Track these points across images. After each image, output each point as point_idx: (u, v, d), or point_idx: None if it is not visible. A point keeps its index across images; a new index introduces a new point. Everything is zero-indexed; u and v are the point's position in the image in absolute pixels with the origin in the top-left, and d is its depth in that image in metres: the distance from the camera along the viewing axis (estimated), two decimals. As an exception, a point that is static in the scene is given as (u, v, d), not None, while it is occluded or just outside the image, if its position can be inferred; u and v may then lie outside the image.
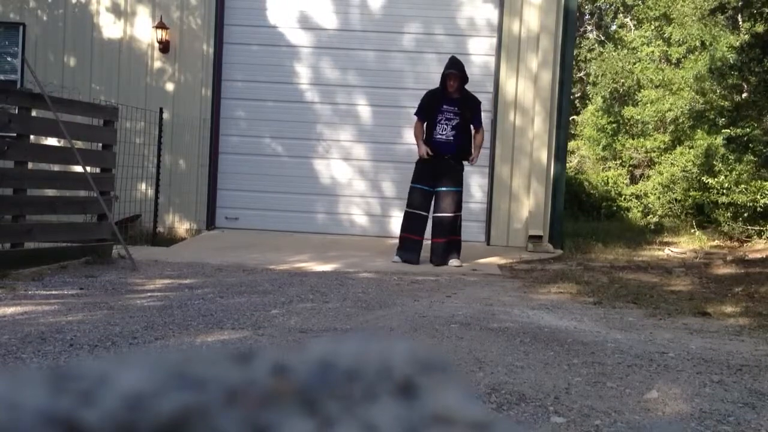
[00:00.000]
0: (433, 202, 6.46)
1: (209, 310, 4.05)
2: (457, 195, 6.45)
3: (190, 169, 8.61)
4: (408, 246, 6.48)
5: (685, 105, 14.60)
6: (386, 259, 6.59)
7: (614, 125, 16.95)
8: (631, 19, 19.74)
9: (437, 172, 6.42)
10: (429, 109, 6.47)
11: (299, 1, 8.60)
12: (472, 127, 6.55)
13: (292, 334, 3.56)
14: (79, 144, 6.05)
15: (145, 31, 8.62)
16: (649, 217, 14.40)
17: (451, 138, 6.38)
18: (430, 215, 6.50)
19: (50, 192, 6.35)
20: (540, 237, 8.17)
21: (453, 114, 6.40)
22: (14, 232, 5.42)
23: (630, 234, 11.27)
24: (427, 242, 6.54)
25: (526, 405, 2.56)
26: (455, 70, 6.37)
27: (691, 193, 13.26)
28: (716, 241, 10.63)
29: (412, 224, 6.48)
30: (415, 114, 6.62)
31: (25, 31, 8.69)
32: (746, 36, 12.29)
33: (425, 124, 6.53)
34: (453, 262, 6.43)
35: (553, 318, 4.20)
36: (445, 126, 6.38)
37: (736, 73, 12.24)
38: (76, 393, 0.26)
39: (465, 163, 6.55)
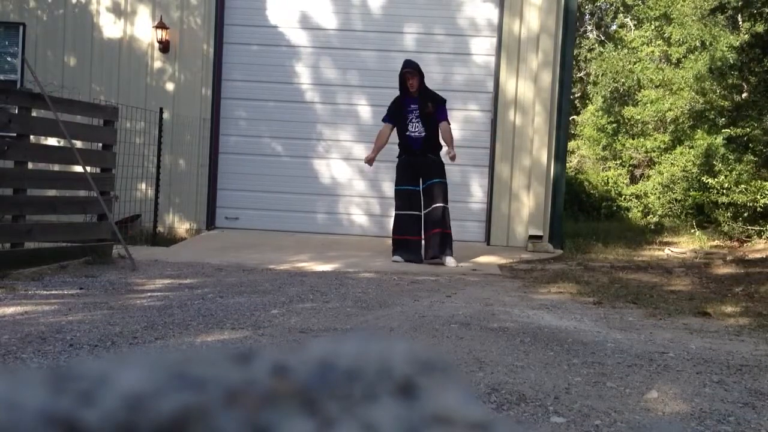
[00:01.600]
0: (422, 198, 6.50)
1: (209, 310, 4.05)
2: (443, 186, 6.50)
3: (190, 169, 8.61)
4: (409, 247, 6.50)
5: (685, 105, 14.60)
6: (386, 259, 6.59)
7: (614, 125, 16.94)
8: (631, 19, 19.74)
9: (418, 169, 6.52)
10: (397, 112, 6.59)
11: (299, 1, 8.60)
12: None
13: (292, 334, 3.56)
14: (79, 144, 6.05)
15: (145, 30, 8.63)
16: (649, 217, 14.40)
17: (423, 133, 6.49)
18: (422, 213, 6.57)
19: (50, 192, 6.36)
20: (540, 237, 8.17)
21: (418, 110, 6.51)
22: (14, 232, 5.42)
23: (630, 234, 11.27)
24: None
25: (526, 405, 2.56)
26: (410, 68, 6.50)
27: (691, 193, 13.25)
28: (716, 241, 10.62)
29: (406, 225, 6.51)
30: (383, 120, 6.75)
31: (25, 31, 8.69)
32: (746, 36, 12.29)
33: (394, 129, 6.63)
34: (449, 261, 6.42)
35: (553, 318, 4.20)
36: (416, 123, 6.51)
37: (736, 73, 12.25)
38: (76, 393, 0.26)
39: (445, 159, 6.56)
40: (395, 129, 6.63)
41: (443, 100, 6.61)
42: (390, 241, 6.85)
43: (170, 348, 3.22)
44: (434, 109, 6.50)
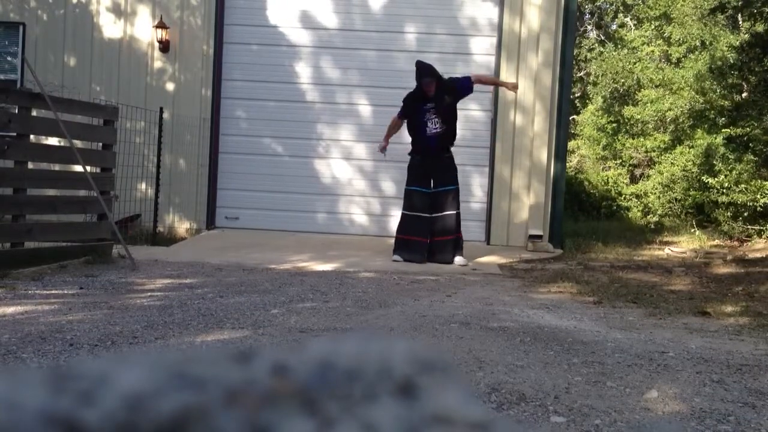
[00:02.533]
0: (431, 202, 6.50)
1: (209, 310, 4.05)
2: (455, 193, 6.52)
3: (190, 169, 8.61)
4: (412, 247, 6.50)
5: (685, 104, 14.59)
6: (386, 258, 6.59)
7: (614, 125, 16.93)
8: (631, 19, 19.73)
9: (431, 171, 6.50)
10: (412, 112, 6.59)
11: (300, 1, 8.60)
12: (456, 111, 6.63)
13: (292, 333, 3.56)
14: (79, 144, 6.05)
15: (145, 30, 8.62)
16: (649, 216, 14.39)
17: (442, 128, 6.49)
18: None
19: (50, 192, 6.36)
20: (540, 236, 8.17)
21: (435, 107, 6.48)
22: (14, 231, 5.42)
23: (630, 233, 11.26)
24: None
25: (526, 404, 2.56)
26: (429, 77, 6.47)
27: (691, 193, 13.25)
28: (716, 241, 10.62)
29: (413, 226, 6.51)
30: (398, 115, 6.76)
31: (25, 30, 8.69)
32: (746, 35, 12.28)
33: (405, 123, 6.68)
34: (458, 260, 6.46)
35: (553, 317, 4.20)
36: (435, 120, 6.48)
37: (736, 73, 12.24)
38: (76, 393, 0.26)
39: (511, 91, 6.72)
40: (411, 130, 6.61)
41: (452, 79, 6.64)
42: (392, 240, 6.85)
43: (170, 348, 3.22)
44: (453, 94, 6.53)
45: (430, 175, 6.51)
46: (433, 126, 6.48)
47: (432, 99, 6.48)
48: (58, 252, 5.69)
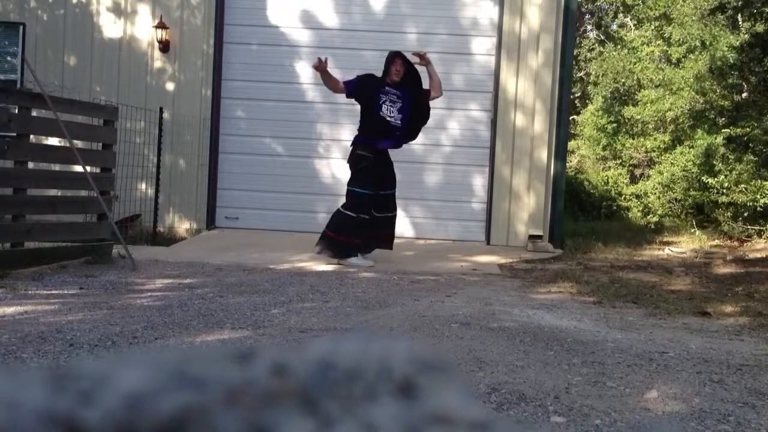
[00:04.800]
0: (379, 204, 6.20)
1: (209, 310, 4.05)
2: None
3: (190, 169, 8.61)
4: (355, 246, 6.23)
5: (685, 105, 14.59)
6: (386, 258, 6.57)
7: (614, 125, 16.93)
8: (631, 19, 19.73)
9: (386, 173, 6.21)
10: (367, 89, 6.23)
11: (300, 1, 8.60)
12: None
13: (292, 333, 3.56)
14: (79, 144, 6.05)
15: (145, 30, 8.62)
16: (649, 216, 14.39)
17: (399, 121, 6.12)
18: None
19: (50, 191, 6.35)
20: (540, 236, 8.17)
21: (396, 97, 6.14)
22: (14, 231, 5.42)
23: (630, 233, 11.26)
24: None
25: (526, 404, 2.56)
26: (401, 57, 6.13)
27: (691, 193, 13.25)
28: (716, 241, 10.62)
29: (360, 230, 6.12)
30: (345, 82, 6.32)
31: (25, 30, 8.68)
32: (746, 36, 12.28)
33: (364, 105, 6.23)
34: (362, 260, 6.24)
35: (553, 317, 4.20)
36: (391, 108, 6.12)
37: (736, 73, 12.25)
38: (76, 393, 0.27)
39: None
40: (374, 115, 6.11)
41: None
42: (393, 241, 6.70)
43: (170, 348, 3.22)
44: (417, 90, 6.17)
45: (385, 178, 6.18)
46: (390, 113, 6.11)
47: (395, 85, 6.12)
48: (58, 252, 5.69)
